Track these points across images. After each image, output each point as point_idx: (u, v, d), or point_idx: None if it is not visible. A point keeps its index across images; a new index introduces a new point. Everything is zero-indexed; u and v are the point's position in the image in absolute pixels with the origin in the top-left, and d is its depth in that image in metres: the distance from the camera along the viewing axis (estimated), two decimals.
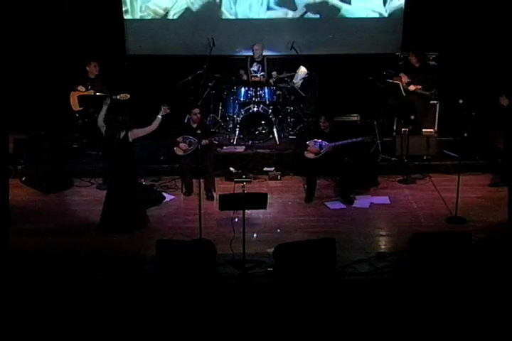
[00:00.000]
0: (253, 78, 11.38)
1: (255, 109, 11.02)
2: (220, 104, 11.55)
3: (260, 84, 11.24)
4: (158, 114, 8.74)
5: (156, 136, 9.57)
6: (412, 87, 10.67)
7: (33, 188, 9.96)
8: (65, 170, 10.27)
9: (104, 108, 8.80)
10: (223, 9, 11.91)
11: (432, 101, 11.10)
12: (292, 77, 11.47)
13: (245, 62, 11.53)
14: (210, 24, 11.90)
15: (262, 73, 11.41)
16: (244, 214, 7.77)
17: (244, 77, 11.51)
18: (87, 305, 6.89)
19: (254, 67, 11.44)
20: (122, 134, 8.52)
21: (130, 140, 8.57)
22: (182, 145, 9.68)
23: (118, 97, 10.54)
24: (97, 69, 10.89)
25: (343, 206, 9.50)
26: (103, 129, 8.65)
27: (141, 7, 11.89)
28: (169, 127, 9.63)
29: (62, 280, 7.31)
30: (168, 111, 8.82)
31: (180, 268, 7.47)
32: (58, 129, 11.13)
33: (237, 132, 11.00)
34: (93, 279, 7.44)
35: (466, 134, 9.85)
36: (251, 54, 11.52)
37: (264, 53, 11.49)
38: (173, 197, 9.79)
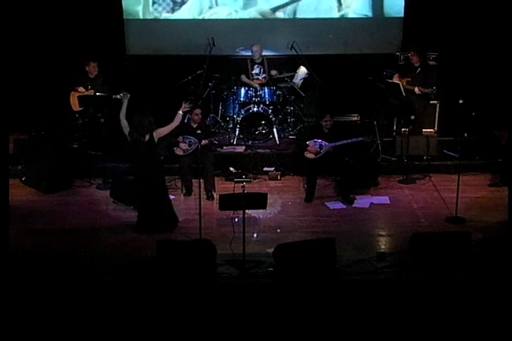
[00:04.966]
0: (255, 81, 11.35)
1: (255, 109, 11.01)
2: (220, 104, 11.54)
3: (262, 86, 11.23)
4: (179, 110, 8.76)
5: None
6: (417, 91, 10.62)
7: (33, 188, 9.95)
8: (65, 170, 10.27)
9: (125, 104, 8.73)
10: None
11: (432, 101, 11.08)
12: (292, 77, 11.46)
13: (245, 64, 11.49)
14: (211, 24, 11.90)
15: (264, 75, 11.39)
16: (244, 214, 7.78)
17: (246, 81, 11.43)
18: (86, 305, 6.89)
19: (256, 70, 11.42)
20: (147, 137, 8.55)
21: (156, 140, 8.62)
22: (182, 145, 9.68)
23: (118, 97, 10.53)
24: (96, 70, 10.89)
25: (343, 206, 9.49)
26: (127, 130, 8.60)
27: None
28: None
29: (62, 280, 7.30)
30: (188, 107, 8.85)
31: (180, 268, 7.47)
32: (58, 129, 11.12)
33: (237, 132, 10.99)
34: (93, 279, 7.44)
35: (466, 134, 9.86)
36: (250, 54, 11.50)
37: (263, 53, 11.46)
38: (173, 197, 9.75)
